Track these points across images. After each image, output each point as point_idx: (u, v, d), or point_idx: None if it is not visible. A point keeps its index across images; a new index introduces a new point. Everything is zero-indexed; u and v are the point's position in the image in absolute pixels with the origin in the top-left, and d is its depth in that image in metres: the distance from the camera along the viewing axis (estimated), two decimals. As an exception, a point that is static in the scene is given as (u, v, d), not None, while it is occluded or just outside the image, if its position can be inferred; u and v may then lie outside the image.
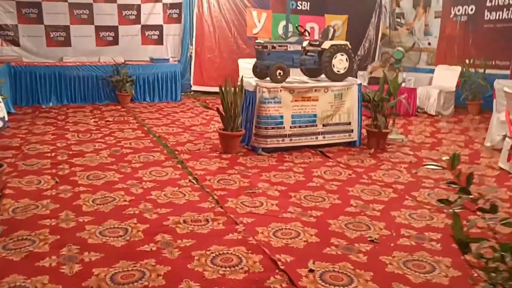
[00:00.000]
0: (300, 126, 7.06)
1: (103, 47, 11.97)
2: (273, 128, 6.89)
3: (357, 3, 13.04)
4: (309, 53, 7.53)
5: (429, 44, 11.99)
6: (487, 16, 10.65)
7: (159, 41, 12.48)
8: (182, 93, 12.17)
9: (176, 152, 6.76)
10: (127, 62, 11.12)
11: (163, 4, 12.26)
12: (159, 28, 12.41)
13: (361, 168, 6.29)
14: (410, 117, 9.59)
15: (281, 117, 6.91)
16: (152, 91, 11.27)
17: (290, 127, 6.99)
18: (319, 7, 13.19)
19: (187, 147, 7.11)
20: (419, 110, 10.06)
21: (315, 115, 7.12)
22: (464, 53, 11.02)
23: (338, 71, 7.26)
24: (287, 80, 7.06)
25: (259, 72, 7.28)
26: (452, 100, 10.04)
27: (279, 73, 6.92)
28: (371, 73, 10.63)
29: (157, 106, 10.63)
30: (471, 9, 11.00)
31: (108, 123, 8.61)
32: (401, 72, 8.42)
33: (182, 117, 9.41)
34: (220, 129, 6.97)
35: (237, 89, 6.73)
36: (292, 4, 12.97)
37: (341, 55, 7.25)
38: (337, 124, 7.30)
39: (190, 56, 12.55)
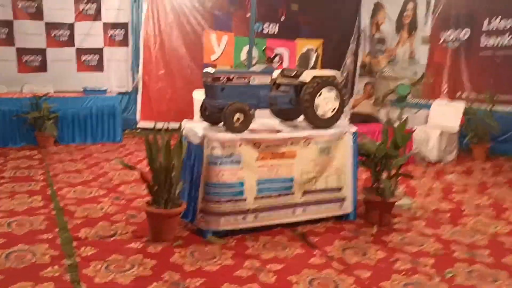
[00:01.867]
0: (270, 196, 4.42)
1: (28, 74, 9.11)
2: (229, 200, 4.24)
3: (333, 27, 10.62)
4: (282, 88, 4.92)
5: (415, 74, 9.57)
6: (483, 42, 8.29)
7: (99, 67, 9.68)
8: (127, 130, 9.42)
9: (74, 244, 3.97)
10: (53, 94, 8.30)
11: (104, 23, 9.51)
12: (99, 52, 9.63)
13: (366, 270, 3.69)
14: (407, 165, 7.03)
15: (241, 184, 4.27)
16: (84, 130, 8.44)
17: (255, 199, 4.34)
18: (289, 31, 10.69)
19: (97, 229, 4.34)
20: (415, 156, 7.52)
21: (291, 179, 4.48)
22: (456, 85, 8.63)
23: (324, 114, 4.66)
24: (250, 127, 4.41)
25: (208, 115, 4.63)
26: (455, 143, 7.60)
27: (238, 119, 4.27)
28: (353, 107, 8.07)
29: (87, 150, 7.80)
30: (465, 34, 8.63)
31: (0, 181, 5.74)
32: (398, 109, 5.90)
33: (114, 168, 6.59)
34: (147, 203, 4.23)
35: (171, 141, 4.06)
36: (258, 27, 10.43)
37: (328, 91, 4.66)
38: (323, 190, 4.68)
39: (137, 86, 9.79)
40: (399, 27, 9.87)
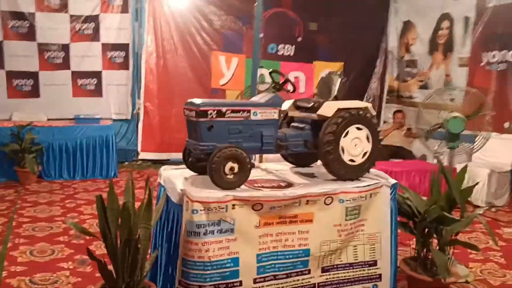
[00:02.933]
0: (275, 277, 3.07)
1: (18, 99, 8.01)
2: (216, 286, 2.88)
3: (356, 48, 9.31)
4: (294, 124, 3.59)
5: (452, 100, 8.12)
6: None
7: (97, 92, 8.51)
8: (126, 162, 8.22)
9: None
10: (37, 124, 7.15)
11: (102, 44, 8.37)
12: (97, 75, 8.48)
13: None
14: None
15: (235, 261, 2.92)
16: (73, 165, 7.21)
17: (255, 281, 2.99)
18: (306, 52, 9.42)
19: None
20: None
21: (306, 252, 3.12)
22: (504, 113, 7.15)
23: (352, 160, 3.30)
24: (251, 177, 3.08)
25: (192, 163, 3.33)
26: (507, 184, 6.13)
27: (231, 169, 2.96)
28: (382, 139, 6.67)
29: (72, 189, 6.57)
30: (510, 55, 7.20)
31: None
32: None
33: (95, 214, 5.29)
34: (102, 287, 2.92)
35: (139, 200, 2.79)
36: (272, 48, 9.21)
37: (358, 128, 3.31)
38: (350, 266, 3.29)
39: (138, 113, 8.58)
40: (432, 48, 8.48)
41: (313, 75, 9.72)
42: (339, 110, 3.28)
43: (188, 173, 3.36)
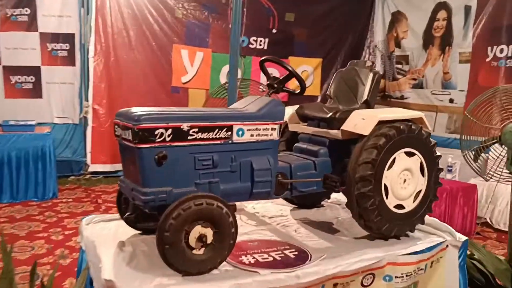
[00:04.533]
0: None
1: None
2: None
3: (337, 43, 8.01)
4: (301, 146, 2.17)
5: (451, 101, 6.94)
6: None
7: (35, 92, 6.85)
8: (72, 177, 6.65)
9: None
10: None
11: (41, 34, 6.71)
12: (35, 71, 6.82)
13: None
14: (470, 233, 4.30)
15: None
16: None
17: None
18: (282, 46, 8.04)
19: None
20: (478, 223, 4.80)
21: None
22: None
23: (401, 206, 1.91)
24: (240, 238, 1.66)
25: (131, 215, 1.86)
26: None
27: (201, 239, 1.50)
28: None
29: (-9, 217, 4.93)
30: None
31: None
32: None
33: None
34: None
35: None
36: (243, 41, 7.76)
37: (409, 154, 1.91)
38: None
39: (85, 117, 6.96)
40: (427, 41, 7.24)
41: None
42: (381, 124, 1.89)
43: (126, 231, 1.90)
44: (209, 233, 1.57)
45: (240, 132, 1.80)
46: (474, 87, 6.62)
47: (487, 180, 3.42)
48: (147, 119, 1.65)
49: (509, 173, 2.78)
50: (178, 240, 1.53)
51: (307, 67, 8.21)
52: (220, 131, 1.76)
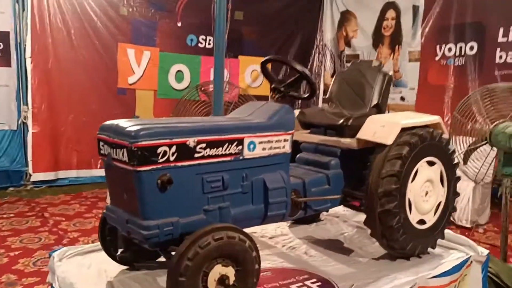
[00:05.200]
0: None
1: None
2: None
3: (287, 42, 7.81)
4: (306, 157, 1.90)
5: (402, 99, 6.98)
6: (501, 57, 5.81)
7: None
8: (12, 189, 5.99)
9: None
10: None
11: (-33, 31, 5.97)
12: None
13: None
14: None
15: None
16: None
17: None
18: (231, 46, 7.71)
19: None
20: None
21: None
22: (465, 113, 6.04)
23: (423, 221, 1.69)
24: None
25: (122, 251, 1.51)
26: (488, 197, 4.96)
27: (223, 281, 1.18)
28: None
29: None
30: (471, 48, 6.14)
31: None
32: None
33: None
34: None
35: None
36: (192, 40, 7.40)
37: (430, 163, 1.70)
38: None
39: (25, 122, 6.27)
40: (377, 41, 7.23)
41: (239, 72, 8.11)
42: (404, 131, 1.66)
43: (111, 268, 1.55)
44: (230, 272, 1.27)
45: (252, 146, 1.52)
46: (424, 85, 6.70)
47: (477, 183, 3.36)
48: (148, 135, 1.32)
49: (503, 175, 2.69)
50: (196, 285, 1.22)
51: (256, 67, 7.97)
52: (230, 146, 1.47)
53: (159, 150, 1.34)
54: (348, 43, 7.82)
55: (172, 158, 1.36)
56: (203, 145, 1.42)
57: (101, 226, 1.62)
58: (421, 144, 1.73)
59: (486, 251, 1.91)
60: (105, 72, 6.59)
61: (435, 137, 1.79)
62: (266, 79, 1.84)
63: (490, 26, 6.00)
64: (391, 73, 2.09)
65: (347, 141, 1.80)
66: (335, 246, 1.97)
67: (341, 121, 1.83)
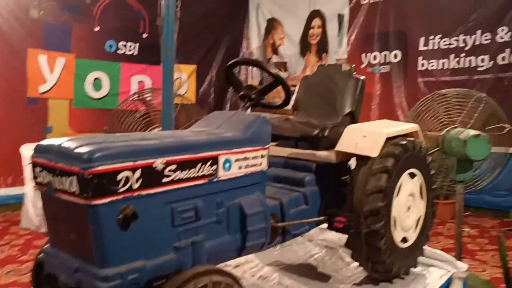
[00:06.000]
0: None
1: None
2: None
3: (211, 48, 7.57)
4: (276, 174, 1.67)
5: None
6: (423, 65, 6.06)
7: None
8: None
9: None
10: None
11: None
12: None
13: None
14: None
15: None
16: None
17: None
18: (153, 52, 7.33)
19: None
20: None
21: None
22: (393, 119, 6.20)
23: (405, 239, 1.55)
24: None
25: None
26: None
27: None
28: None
29: None
30: (395, 56, 6.34)
31: None
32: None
33: None
34: None
35: None
36: (111, 46, 6.94)
37: (412, 175, 1.56)
38: None
39: None
40: (304, 48, 7.24)
41: (159, 81, 7.74)
42: (388, 141, 1.51)
43: None
44: None
45: (227, 165, 1.27)
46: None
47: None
48: (105, 157, 1.02)
49: (456, 182, 2.66)
50: None
51: (180, 74, 7.67)
52: (203, 166, 1.21)
53: (120, 176, 1.05)
54: (275, 51, 7.77)
55: (136, 186, 1.08)
56: (173, 166, 1.16)
57: (35, 274, 1.26)
58: (404, 155, 1.59)
59: (466, 266, 1.83)
60: (13, 80, 5.90)
61: (416, 147, 1.67)
62: (231, 85, 1.60)
63: (412, 35, 6.24)
64: (363, 77, 1.95)
65: (324, 154, 1.62)
66: (308, 272, 1.77)
67: (317, 131, 1.64)
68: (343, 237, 1.70)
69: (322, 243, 2.09)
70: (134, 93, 6.12)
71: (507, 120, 2.77)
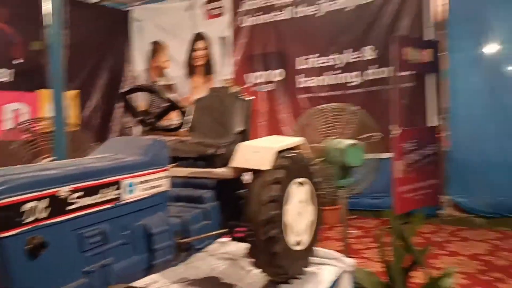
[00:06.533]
0: None
1: None
2: None
3: (94, 73, 7.39)
4: (181, 192, 1.77)
5: None
6: (303, 82, 6.57)
7: None
8: None
9: None
10: None
11: None
12: None
13: None
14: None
15: None
16: None
17: None
18: (29, 78, 6.95)
19: None
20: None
21: None
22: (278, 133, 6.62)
23: (300, 242, 1.76)
24: None
25: None
26: None
27: None
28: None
29: None
30: (278, 74, 6.78)
31: None
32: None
33: None
34: None
35: None
36: None
37: (300, 184, 1.79)
38: None
39: None
40: (190, 70, 7.40)
41: (38, 108, 7.37)
42: (279, 154, 1.69)
43: None
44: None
45: (130, 188, 1.33)
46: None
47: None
48: (9, 189, 1.03)
49: (336, 188, 2.96)
50: None
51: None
52: (107, 191, 1.26)
53: (25, 208, 1.06)
54: (161, 74, 7.81)
55: (42, 215, 1.10)
56: (80, 193, 1.19)
57: None
58: (293, 166, 1.78)
59: (353, 261, 2.07)
60: None
61: (302, 158, 1.87)
62: (128, 112, 1.66)
63: (291, 55, 6.74)
64: (250, 98, 2.12)
65: (220, 171, 1.74)
66: (213, 285, 1.87)
67: (212, 150, 1.77)
68: (243, 249, 1.84)
69: (223, 256, 2.21)
70: (20, 122, 5.71)
71: (377, 129, 3.19)
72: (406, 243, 2.30)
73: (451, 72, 5.56)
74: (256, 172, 1.71)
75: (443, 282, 2.11)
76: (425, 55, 5.50)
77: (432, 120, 5.69)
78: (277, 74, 6.78)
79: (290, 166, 1.75)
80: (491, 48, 5.28)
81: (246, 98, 2.05)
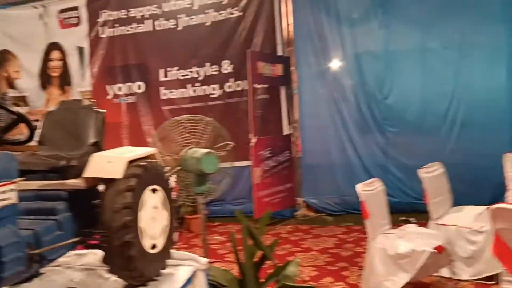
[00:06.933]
0: None
1: None
2: None
3: None
4: (31, 205, 1.78)
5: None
6: (165, 94, 6.70)
7: None
8: None
9: None
10: None
11: None
12: None
13: None
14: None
15: None
16: None
17: None
18: None
19: None
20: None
21: None
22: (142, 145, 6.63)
23: (154, 246, 1.91)
24: None
25: None
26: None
27: None
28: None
29: None
30: (139, 86, 6.80)
31: None
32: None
33: None
34: None
35: None
36: None
37: (154, 190, 1.95)
38: None
39: None
40: (45, 81, 7.03)
41: None
42: (132, 163, 1.81)
43: None
44: None
45: None
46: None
47: (180, 207, 3.70)
48: None
49: (196, 194, 3.13)
50: None
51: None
52: None
53: None
54: (11, 85, 7.27)
55: None
56: None
57: None
58: (145, 174, 1.90)
59: (206, 260, 2.24)
60: None
61: (155, 166, 2.00)
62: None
63: (153, 67, 6.80)
64: (103, 111, 2.18)
65: (73, 182, 1.79)
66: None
67: (64, 162, 1.80)
68: (99, 258, 1.90)
69: (80, 267, 2.23)
70: None
71: (231, 138, 3.46)
72: (255, 241, 2.56)
73: (300, 85, 6.16)
74: (110, 182, 1.80)
75: (287, 270, 2.41)
76: (277, 70, 6.02)
77: (286, 129, 6.24)
78: (138, 86, 6.80)
79: (142, 174, 1.87)
80: (332, 63, 6.00)
81: (100, 110, 2.12)
